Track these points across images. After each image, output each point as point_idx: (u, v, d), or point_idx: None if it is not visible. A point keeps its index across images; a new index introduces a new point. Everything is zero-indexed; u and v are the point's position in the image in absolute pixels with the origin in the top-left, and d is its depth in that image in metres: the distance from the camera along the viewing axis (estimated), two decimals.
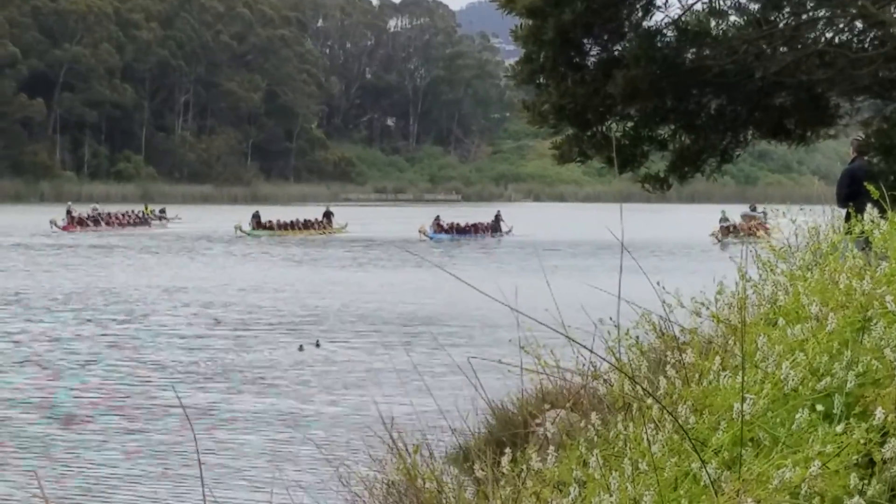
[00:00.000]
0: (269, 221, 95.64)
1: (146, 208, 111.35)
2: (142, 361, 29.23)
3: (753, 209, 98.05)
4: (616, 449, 5.86)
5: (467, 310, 35.41)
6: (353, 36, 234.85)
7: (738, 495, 4.77)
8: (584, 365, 9.14)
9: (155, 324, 36.26)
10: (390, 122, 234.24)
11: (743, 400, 5.25)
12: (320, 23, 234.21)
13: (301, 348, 31.16)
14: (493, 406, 10.77)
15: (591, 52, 17.88)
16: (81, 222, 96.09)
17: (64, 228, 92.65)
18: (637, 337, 8.32)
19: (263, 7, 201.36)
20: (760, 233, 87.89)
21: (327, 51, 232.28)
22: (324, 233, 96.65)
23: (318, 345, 31.66)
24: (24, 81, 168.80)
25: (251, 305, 41.45)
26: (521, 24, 17.31)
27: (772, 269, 8.56)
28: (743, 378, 5.45)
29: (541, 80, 17.74)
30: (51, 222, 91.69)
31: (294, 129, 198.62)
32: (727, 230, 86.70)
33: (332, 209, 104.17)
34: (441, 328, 32.95)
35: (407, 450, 8.14)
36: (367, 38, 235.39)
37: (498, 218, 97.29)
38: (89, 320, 36.85)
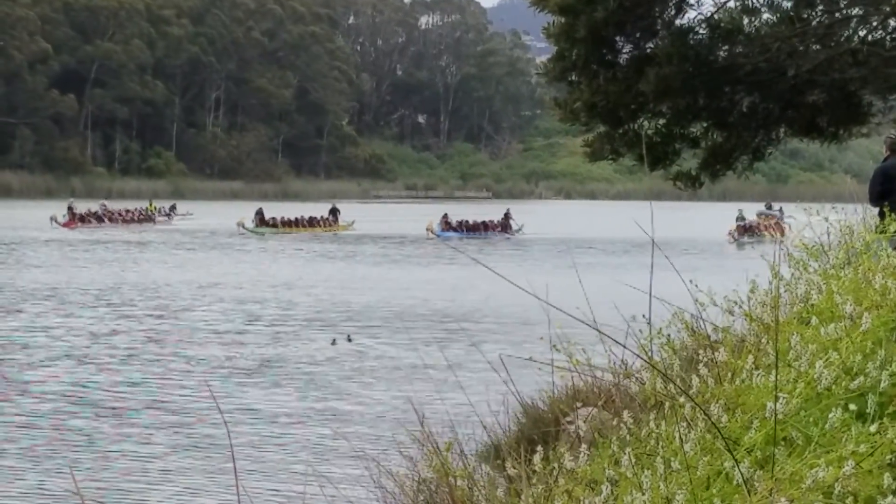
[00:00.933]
0: (273, 218, 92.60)
1: (150, 205, 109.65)
2: (177, 356, 29.41)
3: (769, 207, 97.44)
4: (648, 447, 5.84)
5: (499, 306, 35.44)
6: (385, 33, 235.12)
7: (770, 494, 4.76)
8: (615, 363, 9.14)
9: (188, 319, 36.38)
10: (421, 119, 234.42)
11: (776, 399, 5.23)
12: (351, 20, 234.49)
13: (334, 342, 31.31)
14: (523, 403, 10.76)
15: (624, 50, 17.85)
16: (83, 219, 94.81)
17: (65, 225, 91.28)
18: (669, 335, 8.30)
19: (295, 4, 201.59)
20: (775, 232, 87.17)
21: (358, 48, 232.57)
22: (329, 230, 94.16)
23: (349, 339, 31.81)
24: (56, 77, 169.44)
25: (284, 301, 41.48)
26: (553, 22, 17.30)
27: (805, 268, 8.54)
28: (776, 377, 5.44)
29: (573, 77, 17.72)
30: (51, 219, 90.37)
31: (325, 126, 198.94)
32: (743, 229, 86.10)
33: (337, 206, 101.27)
34: (473, 324, 32.96)
35: (438, 447, 8.15)
36: (399, 35, 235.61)
37: (507, 216, 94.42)
38: (125, 316, 37.01)
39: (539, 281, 8.57)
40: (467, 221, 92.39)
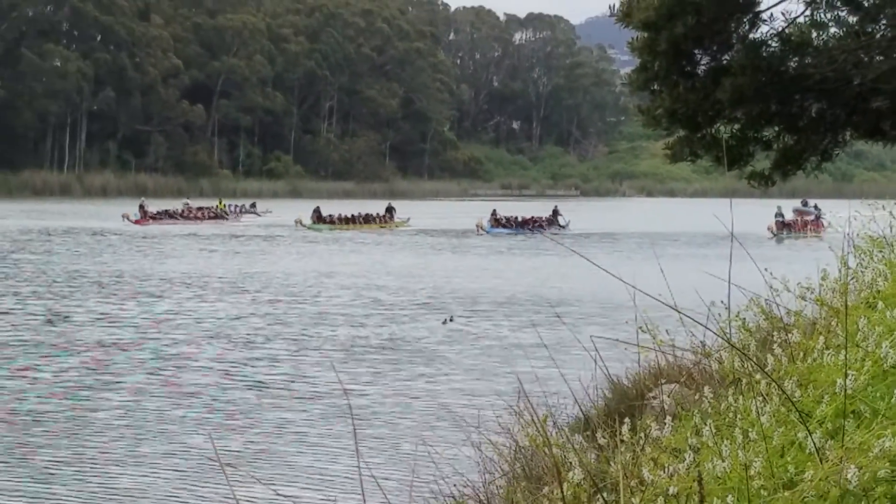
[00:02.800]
0: (330, 216, 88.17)
1: (220, 203, 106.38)
2: (304, 336, 29.80)
3: (805, 204, 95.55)
4: (727, 419, 5.84)
5: (589, 293, 35.45)
6: (482, 48, 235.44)
7: (841, 462, 4.74)
8: (696, 344, 9.13)
9: (313, 305, 36.71)
10: (515, 125, 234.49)
11: (845, 376, 5.21)
12: (452, 36, 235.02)
13: (445, 322, 31.69)
14: (611, 380, 10.77)
15: (702, 62, 17.75)
16: (154, 217, 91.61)
17: (136, 222, 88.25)
18: (744, 319, 8.29)
19: (401, 22, 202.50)
20: (814, 228, 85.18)
21: (458, 61, 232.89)
22: (384, 226, 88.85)
23: (451, 319, 32.00)
24: (186, 90, 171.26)
25: (400, 289, 41.68)
26: (637, 37, 17.25)
27: (871, 257, 8.48)
28: (846, 356, 5.41)
29: (655, 86, 17.65)
30: (123, 216, 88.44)
31: (428, 132, 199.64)
32: (782, 225, 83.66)
33: (393, 205, 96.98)
34: (566, 309, 32.94)
35: (534, 418, 8.18)
36: (495, 50, 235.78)
37: (556, 212, 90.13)
38: (256, 301, 37.49)
39: (625, 270, 8.57)
40: (516, 218, 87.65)
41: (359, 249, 65.78)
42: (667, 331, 9.30)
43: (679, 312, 6.94)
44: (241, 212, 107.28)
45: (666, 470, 5.45)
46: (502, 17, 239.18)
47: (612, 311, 28.67)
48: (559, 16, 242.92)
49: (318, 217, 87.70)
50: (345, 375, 23.41)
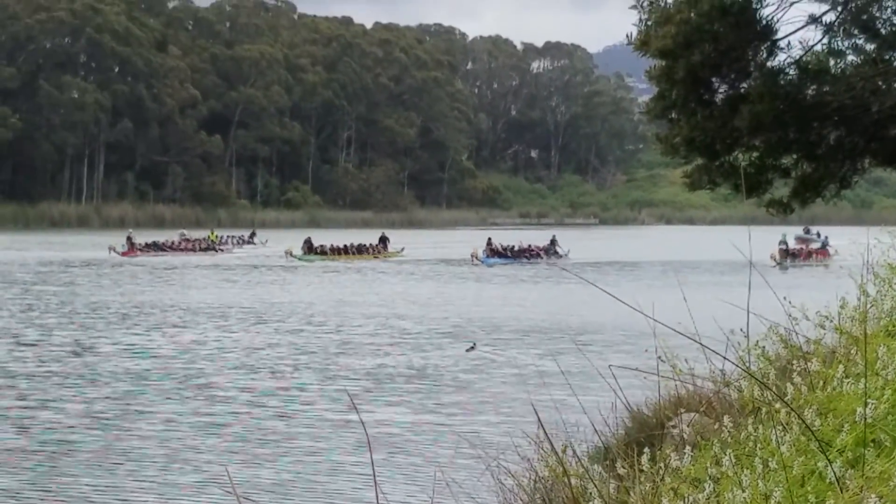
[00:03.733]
0: (322, 246, 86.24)
1: (212, 234, 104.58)
2: (317, 364, 29.99)
3: (807, 231, 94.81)
4: (747, 449, 5.84)
5: (607, 322, 35.44)
6: (500, 77, 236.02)
7: (861, 492, 4.74)
8: (715, 372, 9.12)
9: (332, 333, 36.93)
10: (533, 153, 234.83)
11: (865, 404, 5.21)
12: (470, 65, 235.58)
13: (472, 348, 31.96)
14: (630, 409, 10.76)
15: (719, 90, 17.80)
16: (142, 249, 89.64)
17: (124, 254, 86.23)
18: (763, 347, 8.28)
19: (418, 52, 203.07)
20: (818, 256, 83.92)
21: (476, 90, 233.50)
22: (377, 257, 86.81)
23: (474, 347, 32.14)
24: (204, 120, 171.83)
25: (419, 317, 41.80)
26: (655, 65, 17.33)
27: (890, 286, 8.47)
28: (865, 384, 5.41)
29: (673, 115, 17.72)
30: (110, 248, 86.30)
31: (446, 161, 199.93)
32: (785, 253, 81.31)
33: (387, 234, 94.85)
34: (584, 337, 32.96)
35: (553, 448, 8.18)
36: (513, 79, 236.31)
37: (554, 241, 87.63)
38: (276, 330, 37.72)
39: (644, 298, 8.58)
40: (512, 247, 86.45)
41: (359, 278, 65.97)
42: (686, 359, 9.31)
43: (698, 343, 6.95)
44: (239, 243, 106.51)
45: (686, 500, 5.46)
46: (519, 46, 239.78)
47: (632, 340, 28.65)
48: (576, 44, 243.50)
49: (308, 248, 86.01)
50: (365, 404, 23.49)
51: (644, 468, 6.29)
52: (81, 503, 15.91)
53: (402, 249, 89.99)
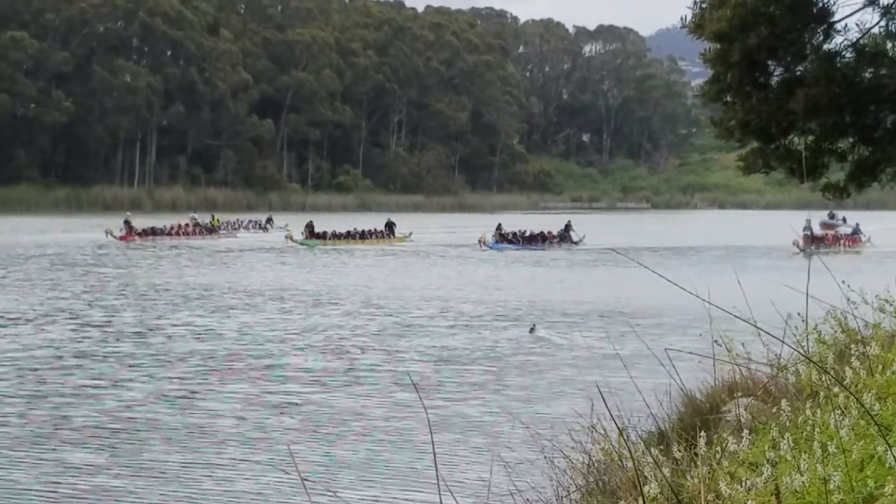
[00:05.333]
0: (324, 231, 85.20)
1: (213, 219, 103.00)
2: (384, 346, 30.21)
3: (832, 216, 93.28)
4: (805, 433, 5.83)
5: (664, 306, 35.38)
6: (551, 60, 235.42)
7: None
8: (771, 357, 9.08)
9: (389, 315, 37.29)
10: (585, 137, 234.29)
11: None
12: (521, 49, 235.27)
13: (533, 330, 32.27)
14: (684, 393, 10.74)
15: (775, 73, 17.67)
16: (140, 233, 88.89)
17: (121, 238, 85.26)
18: (821, 332, 8.26)
19: (469, 36, 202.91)
20: (846, 242, 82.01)
21: (528, 74, 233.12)
22: (384, 242, 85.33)
23: (533, 329, 32.31)
24: (256, 104, 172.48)
25: (481, 301, 41.96)
26: (710, 48, 17.23)
27: None
28: None
29: (728, 98, 17.61)
30: (106, 232, 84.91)
31: (497, 145, 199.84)
32: (810, 239, 76.56)
33: (393, 220, 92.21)
34: (641, 321, 32.90)
35: (606, 432, 8.19)
36: (564, 62, 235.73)
37: (568, 227, 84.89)
38: (349, 314, 37.97)
39: (701, 282, 8.57)
40: (523, 233, 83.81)
41: (362, 264, 65.87)
42: (742, 343, 9.29)
43: (754, 326, 6.93)
44: (255, 227, 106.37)
45: (743, 484, 5.46)
46: (571, 30, 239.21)
47: (687, 323, 28.59)
48: (629, 28, 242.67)
49: (310, 233, 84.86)
50: (426, 385, 23.73)
51: (700, 452, 6.29)
52: (154, 479, 16.19)
53: (410, 234, 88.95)
